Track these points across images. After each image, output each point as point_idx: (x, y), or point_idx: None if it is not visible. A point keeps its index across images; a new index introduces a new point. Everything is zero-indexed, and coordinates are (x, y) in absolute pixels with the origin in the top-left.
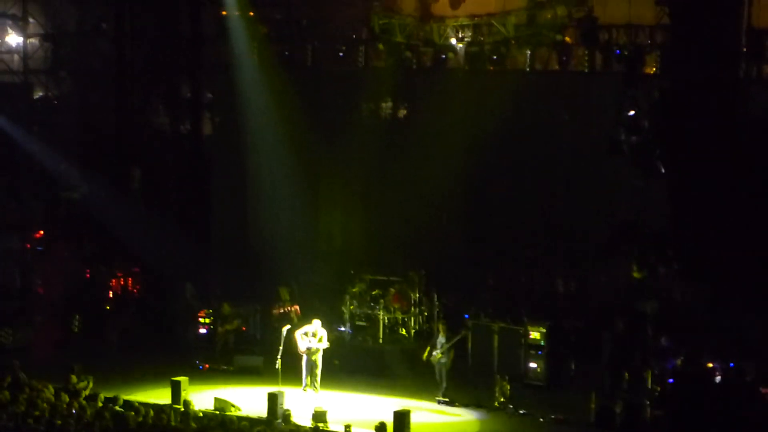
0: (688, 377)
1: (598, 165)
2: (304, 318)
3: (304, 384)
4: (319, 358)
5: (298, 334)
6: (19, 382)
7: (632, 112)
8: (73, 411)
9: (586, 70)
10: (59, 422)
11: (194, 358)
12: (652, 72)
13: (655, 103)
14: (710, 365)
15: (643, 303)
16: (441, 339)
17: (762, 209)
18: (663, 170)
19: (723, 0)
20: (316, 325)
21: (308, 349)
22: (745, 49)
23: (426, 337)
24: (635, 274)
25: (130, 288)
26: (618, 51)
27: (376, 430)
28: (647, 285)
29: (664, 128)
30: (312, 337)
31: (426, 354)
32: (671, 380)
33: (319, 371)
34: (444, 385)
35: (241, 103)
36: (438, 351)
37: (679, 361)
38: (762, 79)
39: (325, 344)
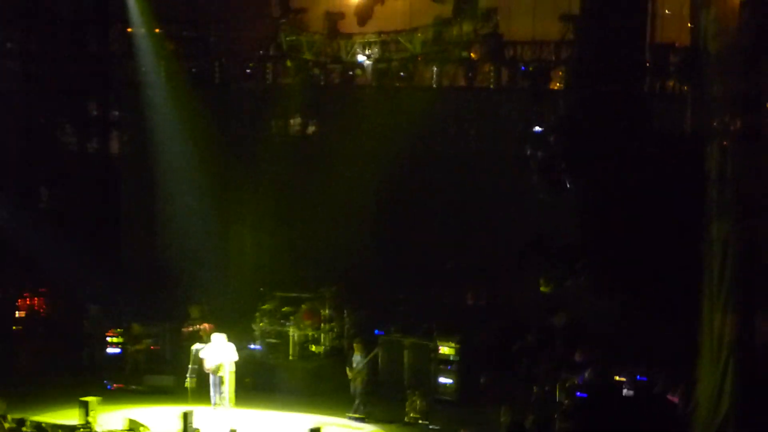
0: (597, 390)
1: (506, 180)
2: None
3: (213, 402)
4: (226, 374)
5: (203, 353)
6: None
7: (538, 128)
8: None
9: (492, 86)
10: None
11: (104, 378)
12: (557, 87)
13: (560, 118)
14: (618, 378)
15: (552, 316)
16: (357, 357)
17: (667, 221)
18: (569, 184)
19: (626, 16)
20: (218, 340)
21: (215, 366)
22: (648, 64)
23: (337, 354)
24: (542, 288)
25: (37, 309)
26: (524, 67)
27: None
28: (556, 298)
29: (570, 143)
30: (217, 353)
31: (350, 372)
32: (579, 393)
33: (227, 387)
34: (357, 401)
35: (149, 121)
36: (355, 369)
37: (587, 374)
38: (665, 93)
39: (234, 357)
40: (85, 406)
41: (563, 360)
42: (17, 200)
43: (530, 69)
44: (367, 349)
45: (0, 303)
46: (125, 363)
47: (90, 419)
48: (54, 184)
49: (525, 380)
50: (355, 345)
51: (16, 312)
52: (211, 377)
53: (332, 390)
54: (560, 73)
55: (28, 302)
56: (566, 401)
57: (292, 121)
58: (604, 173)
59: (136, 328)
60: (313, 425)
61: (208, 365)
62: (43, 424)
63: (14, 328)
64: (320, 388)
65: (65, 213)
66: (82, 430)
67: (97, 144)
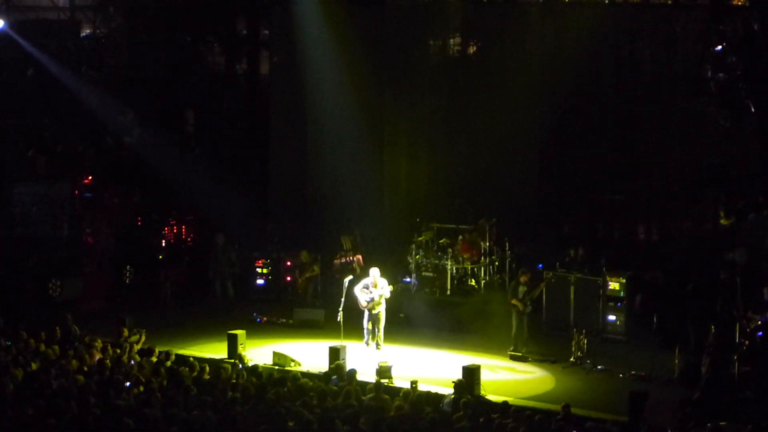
0: None
1: (682, 104)
2: (367, 268)
3: (366, 340)
4: (382, 311)
5: (357, 289)
6: (70, 337)
7: (719, 48)
8: (132, 364)
9: (670, 2)
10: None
11: (252, 311)
12: (740, 3)
13: (743, 37)
14: None
15: (731, 252)
16: (523, 289)
17: None
18: (753, 109)
19: None
20: (374, 274)
21: (370, 302)
22: None
23: (497, 289)
24: (723, 221)
25: (183, 237)
26: None
27: (454, 386)
28: (735, 232)
29: (753, 64)
30: (373, 288)
31: (518, 303)
32: (760, 333)
33: (382, 326)
34: (524, 337)
35: (300, 40)
36: (521, 300)
37: None
38: None
39: (387, 293)
40: (233, 339)
41: (746, 299)
42: (162, 124)
43: None
44: (531, 284)
45: (145, 230)
46: (298, 293)
47: (241, 353)
48: (200, 107)
49: (701, 320)
50: (521, 277)
51: (161, 241)
52: (367, 314)
53: (492, 327)
54: None
55: (174, 230)
56: (747, 343)
57: (451, 41)
58: None
59: (305, 255)
60: (470, 364)
61: (364, 302)
62: (190, 358)
63: (159, 257)
64: (479, 326)
65: (212, 137)
66: (228, 364)
67: (245, 64)
